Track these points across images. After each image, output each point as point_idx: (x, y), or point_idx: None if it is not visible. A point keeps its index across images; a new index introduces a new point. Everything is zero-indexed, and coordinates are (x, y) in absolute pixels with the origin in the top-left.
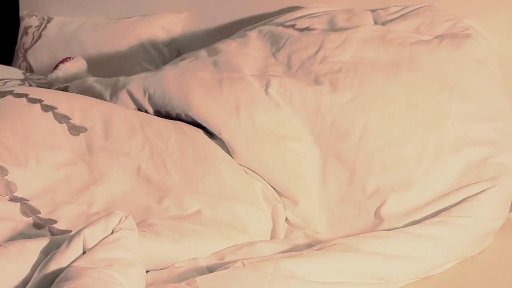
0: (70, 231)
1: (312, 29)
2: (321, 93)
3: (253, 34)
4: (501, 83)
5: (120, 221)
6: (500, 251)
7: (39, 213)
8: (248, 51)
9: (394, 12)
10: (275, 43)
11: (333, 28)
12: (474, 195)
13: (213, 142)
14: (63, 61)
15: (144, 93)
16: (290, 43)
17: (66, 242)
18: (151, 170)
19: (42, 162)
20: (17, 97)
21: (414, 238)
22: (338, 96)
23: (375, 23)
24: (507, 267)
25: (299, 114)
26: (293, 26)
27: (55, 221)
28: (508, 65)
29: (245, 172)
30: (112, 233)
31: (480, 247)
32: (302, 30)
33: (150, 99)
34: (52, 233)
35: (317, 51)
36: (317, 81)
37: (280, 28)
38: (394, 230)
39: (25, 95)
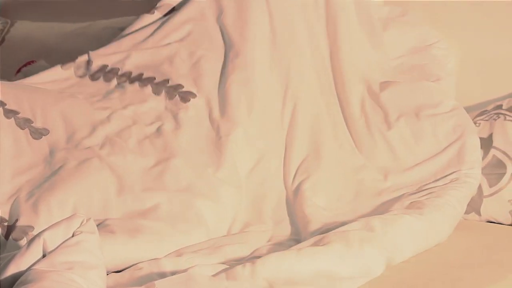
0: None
1: None
2: None
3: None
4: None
5: (81, 224)
6: (455, 251)
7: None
8: None
9: None
10: None
11: None
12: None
13: (176, 136)
14: (26, 64)
15: None
16: None
17: (25, 245)
18: (112, 164)
19: (6, 174)
20: None
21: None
22: None
23: None
24: (462, 267)
25: None
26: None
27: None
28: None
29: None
30: (72, 236)
31: (431, 243)
32: None
33: None
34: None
35: None
36: None
37: None
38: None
39: None
